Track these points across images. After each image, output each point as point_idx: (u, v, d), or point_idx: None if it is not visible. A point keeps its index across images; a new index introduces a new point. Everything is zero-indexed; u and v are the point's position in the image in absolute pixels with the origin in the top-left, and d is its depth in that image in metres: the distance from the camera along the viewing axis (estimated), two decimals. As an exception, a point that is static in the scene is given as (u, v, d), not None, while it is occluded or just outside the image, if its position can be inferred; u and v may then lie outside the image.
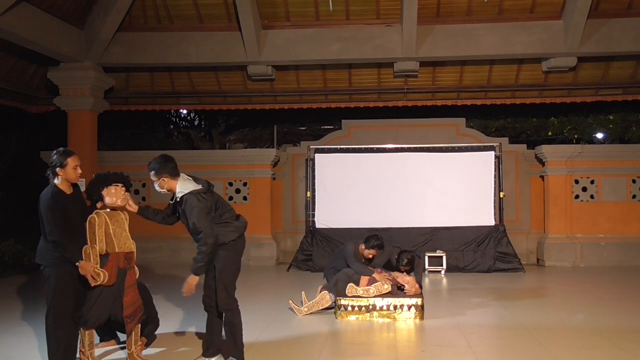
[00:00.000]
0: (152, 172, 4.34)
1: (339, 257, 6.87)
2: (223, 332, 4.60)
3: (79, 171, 4.35)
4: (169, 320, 5.82)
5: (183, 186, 4.34)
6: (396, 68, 10.10)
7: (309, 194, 10.53)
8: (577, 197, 10.76)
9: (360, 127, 11.63)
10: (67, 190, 4.34)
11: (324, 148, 10.84)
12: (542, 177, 10.99)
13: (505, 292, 7.85)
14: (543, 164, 10.81)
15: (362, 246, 6.70)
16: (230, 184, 11.18)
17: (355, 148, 10.63)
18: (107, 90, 10.65)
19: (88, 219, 4.28)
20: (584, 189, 10.78)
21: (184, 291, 4.28)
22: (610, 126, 13.19)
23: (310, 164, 10.60)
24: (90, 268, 4.18)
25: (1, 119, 13.55)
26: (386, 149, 10.61)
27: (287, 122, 14.77)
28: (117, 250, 4.33)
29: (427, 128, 11.46)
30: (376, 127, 11.61)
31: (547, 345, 5.11)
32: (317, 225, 10.30)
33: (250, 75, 10.41)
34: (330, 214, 10.33)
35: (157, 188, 4.40)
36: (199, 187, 4.38)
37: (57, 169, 4.29)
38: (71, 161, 4.28)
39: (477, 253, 9.82)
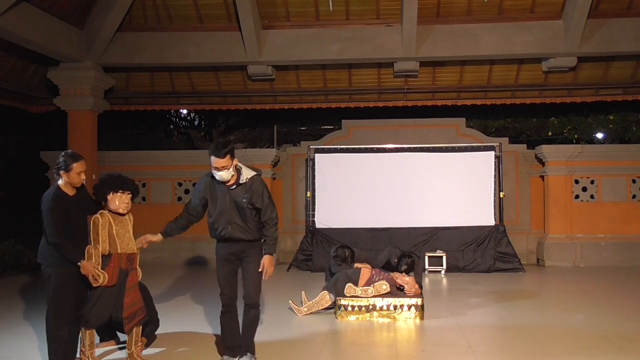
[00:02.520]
0: (228, 155, 4.22)
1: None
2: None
3: (83, 177, 4.34)
4: (169, 320, 5.81)
5: (248, 170, 4.39)
6: (396, 68, 10.10)
7: (309, 194, 10.53)
8: (577, 197, 10.76)
9: (360, 127, 11.62)
10: (70, 192, 4.34)
11: (324, 148, 10.83)
12: (542, 177, 10.99)
13: (505, 292, 7.85)
14: (543, 164, 10.81)
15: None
16: (230, 184, 11.17)
17: (355, 148, 10.63)
18: (107, 90, 10.65)
19: (92, 219, 4.28)
20: (584, 189, 10.78)
21: (267, 276, 4.47)
22: (610, 126, 13.20)
23: (310, 164, 10.60)
24: (92, 268, 4.19)
25: (1, 119, 13.55)
26: (386, 149, 10.61)
27: (287, 122, 14.77)
28: (119, 251, 4.34)
29: (427, 128, 11.46)
30: (376, 127, 11.60)
31: (547, 345, 5.11)
32: (317, 225, 10.29)
33: (250, 75, 10.41)
34: (330, 214, 10.32)
35: (225, 175, 4.27)
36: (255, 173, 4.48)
37: (62, 172, 4.27)
38: (76, 166, 4.27)
39: (477, 253, 9.82)
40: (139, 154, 11.68)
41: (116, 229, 4.34)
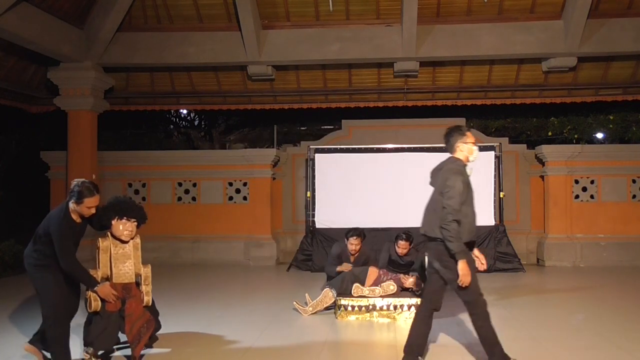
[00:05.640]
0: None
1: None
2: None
3: (93, 211, 4.31)
4: (170, 321, 5.80)
5: None
6: (396, 68, 10.10)
7: (309, 194, 10.52)
8: (577, 197, 10.75)
9: (360, 127, 11.62)
10: (77, 219, 4.35)
11: (324, 148, 10.82)
12: (542, 177, 10.99)
13: (505, 292, 7.85)
14: (543, 164, 10.81)
15: (345, 241, 6.87)
16: (230, 184, 11.18)
17: (355, 148, 10.62)
18: (107, 90, 10.65)
19: (97, 241, 4.28)
20: (584, 189, 10.77)
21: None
22: (610, 126, 13.19)
23: (310, 164, 10.59)
24: (109, 290, 4.19)
25: (1, 119, 13.54)
26: (386, 149, 10.60)
27: (287, 122, 14.78)
28: (113, 281, 4.29)
29: (427, 128, 11.43)
30: (376, 127, 11.60)
31: (547, 345, 5.11)
32: (317, 225, 10.29)
33: (250, 75, 10.41)
34: (330, 214, 10.31)
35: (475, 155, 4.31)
36: None
37: (73, 201, 4.24)
38: (88, 201, 4.23)
39: (477, 253, 9.80)
40: (139, 154, 11.67)
41: (114, 257, 4.28)
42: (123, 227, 4.28)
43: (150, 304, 4.45)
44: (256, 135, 15.85)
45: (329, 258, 7.02)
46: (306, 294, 6.56)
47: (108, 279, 4.25)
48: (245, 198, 11.15)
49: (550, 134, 13.57)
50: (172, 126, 16.87)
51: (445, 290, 4.43)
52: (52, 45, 8.91)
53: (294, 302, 6.53)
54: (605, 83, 10.81)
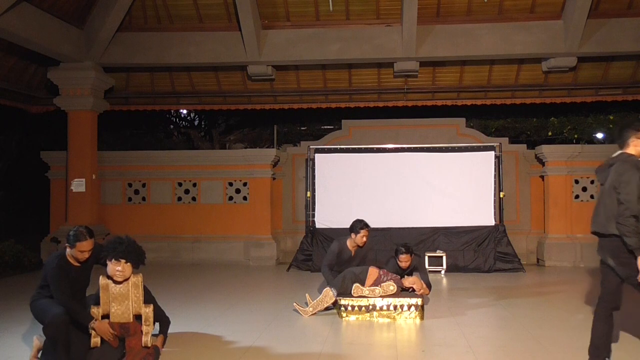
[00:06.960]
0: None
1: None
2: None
3: (87, 255, 4.39)
4: (172, 321, 5.79)
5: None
6: (396, 68, 10.11)
7: (309, 194, 10.52)
8: (577, 197, 10.75)
9: (360, 127, 11.62)
10: (74, 262, 4.41)
11: (324, 148, 10.83)
12: (542, 177, 10.99)
13: (505, 292, 7.85)
14: (543, 164, 10.81)
15: (353, 235, 6.72)
16: (230, 184, 11.19)
17: (355, 148, 10.63)
18: (107, 90, 10.66)
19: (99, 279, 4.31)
20: (584, 189, 10.77)
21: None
22: (610, 126, 13.21)
23: (310, 164, 10.59)
24: (106, 328, 4.20)
25: (1, 119, 13.56)
26: (386, 149, 10.61)
27: (287, 122, 14.79)
28: (110, 320, 4.28)
29: (427, 128, 11.46)
30: (376, 127, 11.61)
31: (547, 345, 5.11)
32: (317, 225, 10.29)
33: (250, 75, 10.41)
34: (330, 214, 10.32)
35: None
36: None
37: (67, 245, 4.36)
38: (80, 246, 4.32)
39: (477, 253, 9.81)
40: (139, 154, 11.67)
41: (112, 296, 4.26)
42: (119, 267, 4.22)
43: (149, 344, 4.35)
44: (256, 135, 15.86)
45: (327, 256, 6.92)
46: (306, 294, 6.56)
47: (109, 316, 4.23)
48: (245, 198, 11.15)
49: (550, 134, 13.59)
50: (172, 126, 16.89)
51: (622, 287, 4.41)
52: (52, 45, 8.91)
53: (294, 304, 6.52)
54: (605, 83, 10.82)
